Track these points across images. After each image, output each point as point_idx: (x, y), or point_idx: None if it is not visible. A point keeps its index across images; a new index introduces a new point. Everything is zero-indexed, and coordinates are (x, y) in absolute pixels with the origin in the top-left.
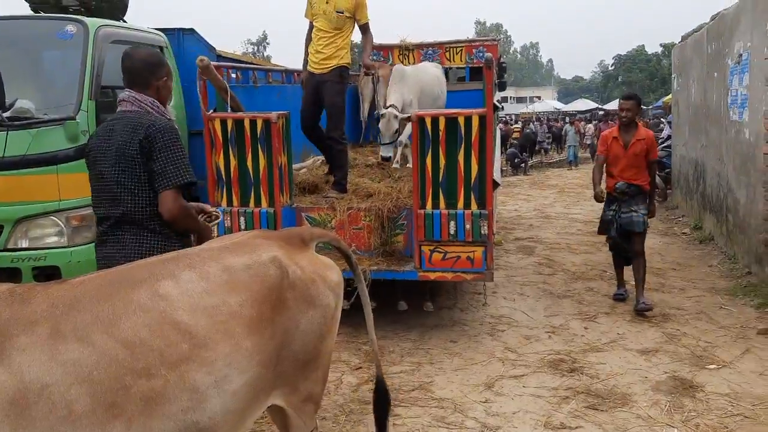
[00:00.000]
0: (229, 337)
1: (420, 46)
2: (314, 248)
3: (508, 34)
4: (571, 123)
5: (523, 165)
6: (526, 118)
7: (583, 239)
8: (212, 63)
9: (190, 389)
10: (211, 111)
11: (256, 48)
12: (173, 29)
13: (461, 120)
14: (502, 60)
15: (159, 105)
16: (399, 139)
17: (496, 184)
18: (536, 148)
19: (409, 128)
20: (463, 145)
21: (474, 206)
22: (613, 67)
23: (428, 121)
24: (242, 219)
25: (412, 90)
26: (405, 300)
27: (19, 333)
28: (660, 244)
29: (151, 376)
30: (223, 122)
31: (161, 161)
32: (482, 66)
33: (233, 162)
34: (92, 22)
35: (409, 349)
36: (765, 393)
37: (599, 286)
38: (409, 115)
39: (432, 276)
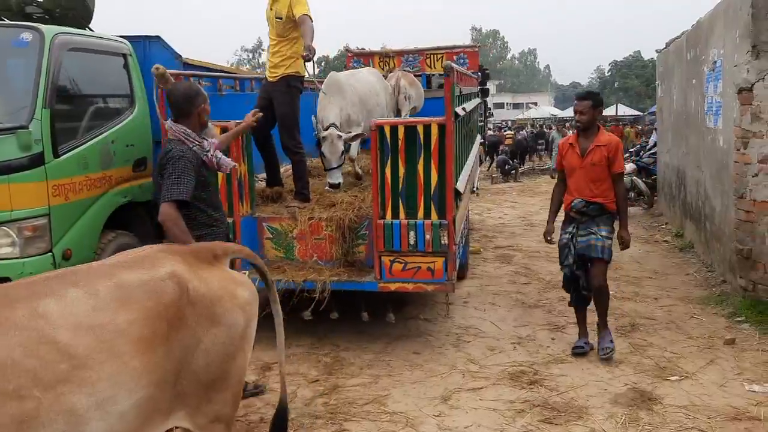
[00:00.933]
0: (114, 357)
1: (400, 53)
2: (227, 264)
3: (506, 40)
4: (558, 129)
5: (513, 172)
6: (520, 124)
7: None
8: (174, 71)
9: (67, 411)
10: (170, 120)
11: (251, 55)
12: (139, 37)
13: (420, 129)
14: (484, 67)
15: (190, 133)
16: (350, 155)
17: (458, 193)
18: (526, 154)
19: (355, 144)
20: (422, 154)
21: (434, 216)
22: (609, 73)
23: (387, 129)
24: None
25: (350, 103)
26: (368, 311)
27: None
28: (640, 252)
29: (22, 398)
30: None
31: (166, 181)
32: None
33: None
34: (48, 29)
35: (369, 361)
36: (723, 405)
37: None
38: (355, 134)
39: (392, 287)
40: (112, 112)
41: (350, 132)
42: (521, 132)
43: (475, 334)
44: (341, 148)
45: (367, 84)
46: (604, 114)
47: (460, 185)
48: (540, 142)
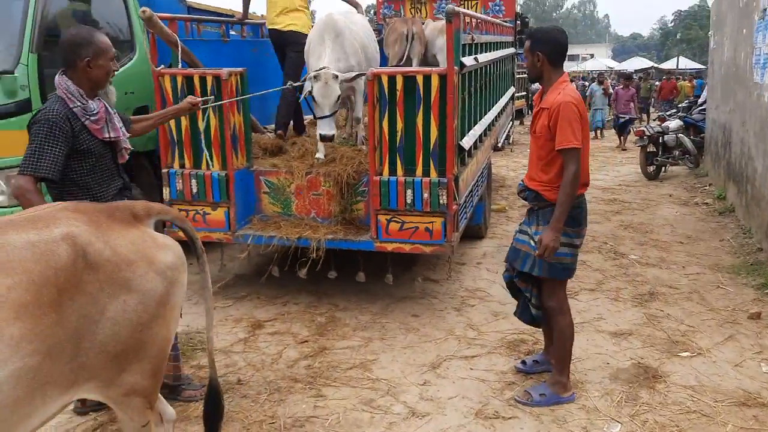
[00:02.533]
0: None
1: None
2: (151, 225)
3: None
4: (600, 82)
5: None
6: (575, 76)
7: (595, 207)
8: (166, 15)
9: None
10: (162, 67)
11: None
12: None
13: (420, 79)
14: (523, 15)
15: (72, 90)
16: (355, 115)
17: (462, 150)
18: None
19: (362, 101)
20: (421, 107)
21: (433, 174)
22: (672, 24)
23: (385, 79)
24: (194, 182)
25: (352, 51)
26: (369, 271)
27: None
28: (676, 215)
29: None
30: (173, 79)
31: (27, 147)
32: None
33: (184, 122)
34: None
35: (365, 323)
36: (733, 388)
37: (593, 259)
38: (357, 73)
39: (389, 247)
40: None
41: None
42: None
43: (482, 298)
44: (337, 91)
45: (364, 28)
46: (661, 67)
47: (466, 142)
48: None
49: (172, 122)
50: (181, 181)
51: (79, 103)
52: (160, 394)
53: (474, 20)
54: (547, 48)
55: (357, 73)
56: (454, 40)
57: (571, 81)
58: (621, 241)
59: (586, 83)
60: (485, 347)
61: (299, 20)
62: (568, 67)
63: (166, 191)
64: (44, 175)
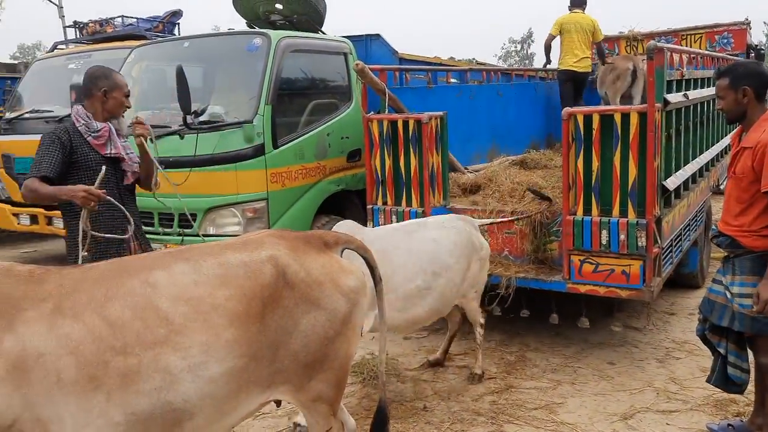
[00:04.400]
0: (208, 327)
1: (650, 36)
2: (339, 252)
3: None
4: None
5: None
6: None
7: None
8: (377, 66)
9: (163, 370)
10: (372, 113)
11: (519, 46)
12: (360, 36)
13: (617, 118)
14: (758, 46)
15: (81, 112)
16: None
17: (665, 191)
18: None
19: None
20: (619, 146)
21: (631, 214)
22: None
23: (580, 118)
24: (394, 218)
25: None
26: (561, 313)
27: (28, 308)
28: None
29: (127, 354)
30: (380, 123)
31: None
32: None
33: (388, 162)
34: (276, 34)
35: (555, 365)
36: None
37: None
38: None
39: (582, 289)
40: (330, 106)
41: None
42: None
43: (690, 351)
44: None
45: None
46: None
47: (671, 182)
48: None
49: (377, 162)
50: (383, 216)
51: (83, 122)
52: (342, 405)
53: (687, 55)
54: (754, 82)
55: None
56: (656, 76)
57: None
58: None
59: None
60: (687, 403)
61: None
62: None
63: (370, 225)
64: (44, 174)
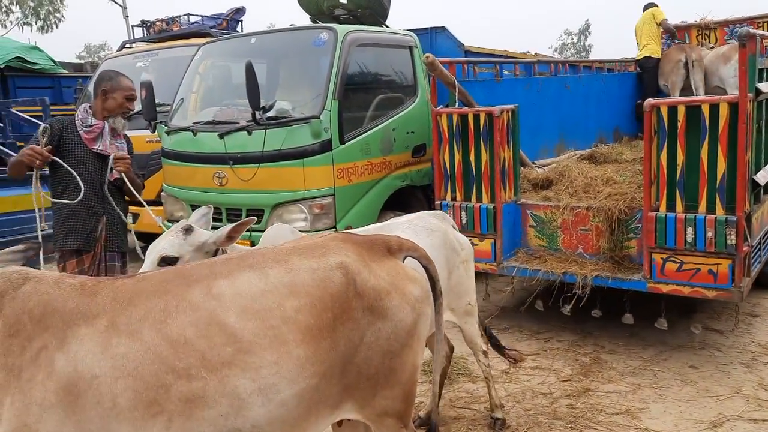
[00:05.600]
0: (279, 344)
1: (723, 24)
2: (402, 259)
3: None
4: None
5: None
6: None
7: None
8: (446, 59)
9: (231, 395)
10: (441, 107)
11: (576, 38)
12: (426, 29)
13: (705, 108)
14: None
15: (81, 108)
16: None
17: (756, 185)
18: None
19: None
20: (707, 138)
21: (719, 210)
22: None
23: (664, 110)
24: (463, 213)
25: None
26: (636, 313)
27: (81, 323)
28: None
29: (191, 377)
30: (449, 117)
31: None
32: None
33: (457, 157)
34: (342, 28)
35: (633, 369)
36: None
37: None
38: None
39: (664, 289)
40: (396, 101)
41: None
42: None
43: None
44: None
45: None
46: None
47: (762, 176)
48: None
49: (446, 156)
50: (451, 212)
51: (80, 116)
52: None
53: None
54: None
55: None
56: (748, 65)
57: None
58: None
59: None
60: None
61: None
62: None
63: None
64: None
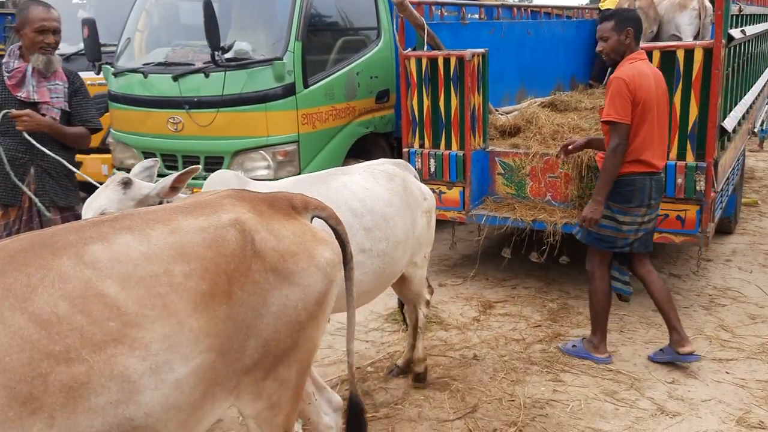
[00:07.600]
0: (169, 314)
1: None
2: (308, 219)
3: None
4: None
5: None
6: None
7: None
8: None
9: (120, 377)
10: (409, 50)
11: None
12: None
13: (680, 54)
14: None
15: (13, 52)
16: None
17: (724, 132)
18: None
19: None
20: (680, 85)
21: (689, 157)
22: None
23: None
24: (432, 161)
25: None
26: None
27: None
28: None
29: (71, 360)
30: (418, 61)
31: None
32: None
33: (426, 102)
34: None
35: None
36: None
37: None
38: None
39: None
40: (359, 44)
41: None
42: None
43: (734, 298)
44: None
45: None
46: None
47: (729, 123)
48: None
49: (415, 102)
50: (420, 160)
51: (5, 59)
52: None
53: None
54: (635, 25)
55: None
56: (724, 10)
57: None
58: None
59: None
60: (743, 351)
61: None
62: None
63: None
64: None
